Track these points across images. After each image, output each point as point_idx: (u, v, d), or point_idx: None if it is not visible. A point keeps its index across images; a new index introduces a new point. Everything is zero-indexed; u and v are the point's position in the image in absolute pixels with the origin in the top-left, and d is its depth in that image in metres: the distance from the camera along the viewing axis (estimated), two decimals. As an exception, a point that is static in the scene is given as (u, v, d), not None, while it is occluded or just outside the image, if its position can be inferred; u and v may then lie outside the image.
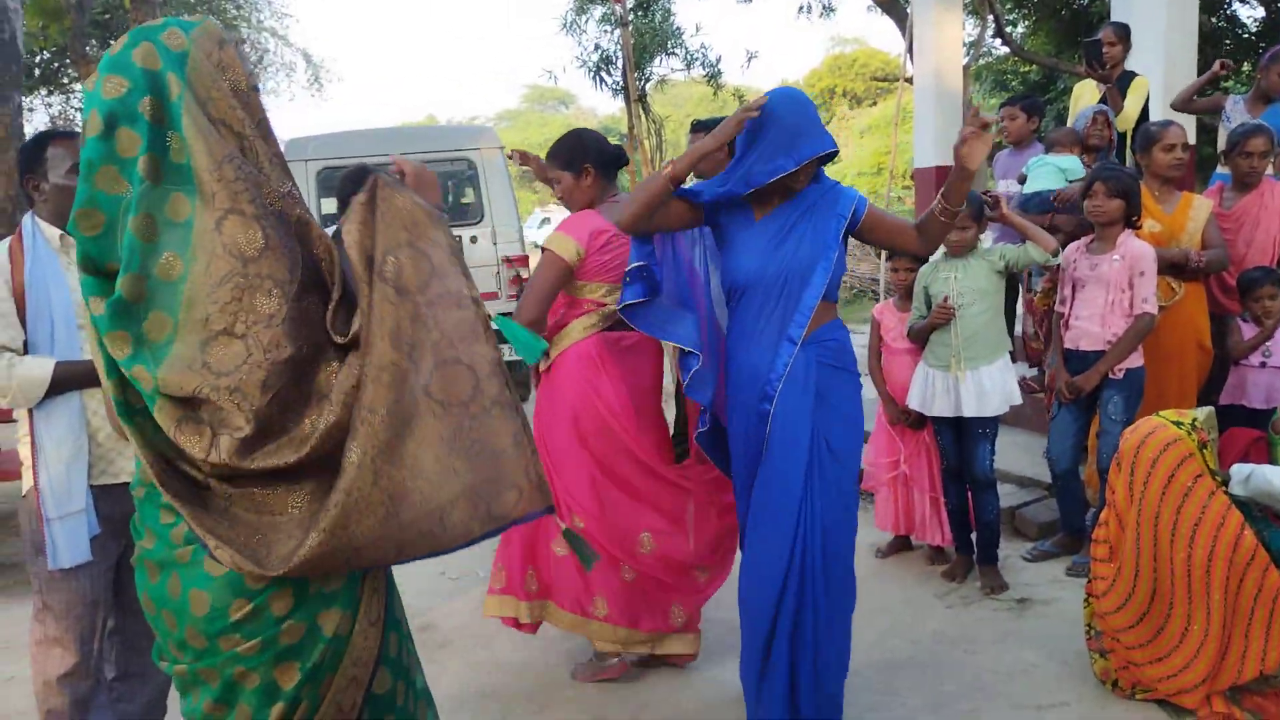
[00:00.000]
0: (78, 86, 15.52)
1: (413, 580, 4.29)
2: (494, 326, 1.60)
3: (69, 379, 2.43)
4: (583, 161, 3.19)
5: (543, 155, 3.51)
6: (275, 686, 1.59)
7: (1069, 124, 5.48)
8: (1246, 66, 12.50)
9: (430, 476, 1.52)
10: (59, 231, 2.52)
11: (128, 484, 2.39)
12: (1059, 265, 4.06)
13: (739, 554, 2.99)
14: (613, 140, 3.56)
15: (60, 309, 2.46)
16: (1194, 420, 2.87)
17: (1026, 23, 16.05)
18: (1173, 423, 2.87)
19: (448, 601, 4.07)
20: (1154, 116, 5.34)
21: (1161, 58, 5.74)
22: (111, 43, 1.70)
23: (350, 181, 4.57)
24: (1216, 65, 5.14)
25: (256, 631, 1.57)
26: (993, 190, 4.00)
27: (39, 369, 2.41)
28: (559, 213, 29.51)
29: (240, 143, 1.57)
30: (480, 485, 1.56)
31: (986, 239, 4.12)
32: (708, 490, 3.21)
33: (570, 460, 3.14)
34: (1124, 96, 5.16)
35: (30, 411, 2.45)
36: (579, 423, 3.13)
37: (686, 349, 2.87)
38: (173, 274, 1.49)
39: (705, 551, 3.21)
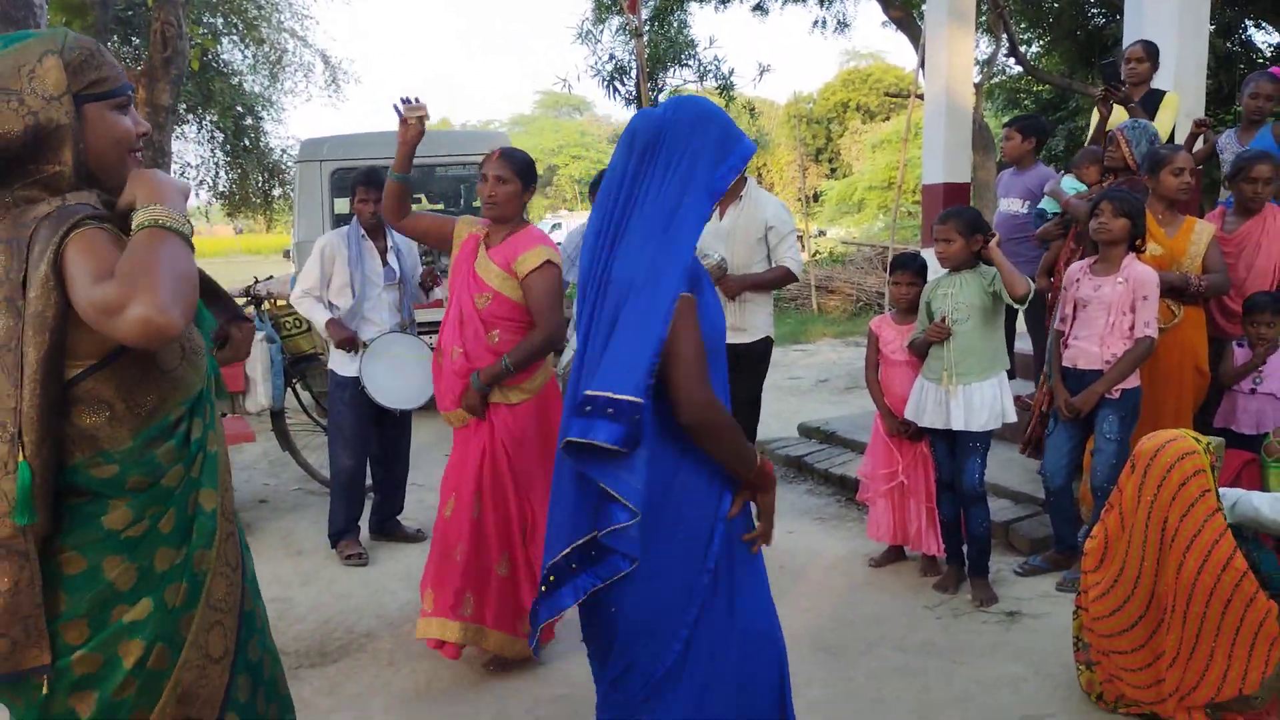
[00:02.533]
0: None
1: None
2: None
3: None
4: (533, 181, 3.45)
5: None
6: (74, 715, 1.59)
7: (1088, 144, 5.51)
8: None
9: None
10: None
11: None
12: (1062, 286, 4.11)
13: None
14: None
15: None
16: (1208, 443, 2.92)
17: (1040, 42, 16.11)
18: (1191, 437, 2.92)
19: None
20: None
21: (1171, 81, 5.77)
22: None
23: (360, 183, 4.65)
24: (1193, 124, 5.17)
25: (52, 658, 1.57)
26: (995, 217, 4.07)
27: None
28: (571, 218, 29.70)
29: None
30: None
31: None
32: None
33: (540, 483, 3.34)
34: (1152, 116, 5.16)
35: None
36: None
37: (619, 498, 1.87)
38: None
39: None
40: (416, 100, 3.39)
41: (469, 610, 3.33)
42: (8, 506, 1.50)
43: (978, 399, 3.80)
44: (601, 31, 10.91)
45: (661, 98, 10.62)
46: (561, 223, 29.01)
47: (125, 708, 1.61)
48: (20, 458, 1.49)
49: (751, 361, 4.47)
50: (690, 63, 10.86)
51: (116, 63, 1.70)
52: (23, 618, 1.51)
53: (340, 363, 4.62)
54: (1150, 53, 5.37)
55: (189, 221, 1.57)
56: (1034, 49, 16.10)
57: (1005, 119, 11.04)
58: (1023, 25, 15.18)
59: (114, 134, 1.66)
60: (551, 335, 3.34)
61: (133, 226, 1.52)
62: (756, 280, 4.42)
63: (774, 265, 4.47)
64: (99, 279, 1.44)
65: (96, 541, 1.59)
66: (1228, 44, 13.21)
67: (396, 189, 3.45)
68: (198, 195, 17.88)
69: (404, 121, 3.35)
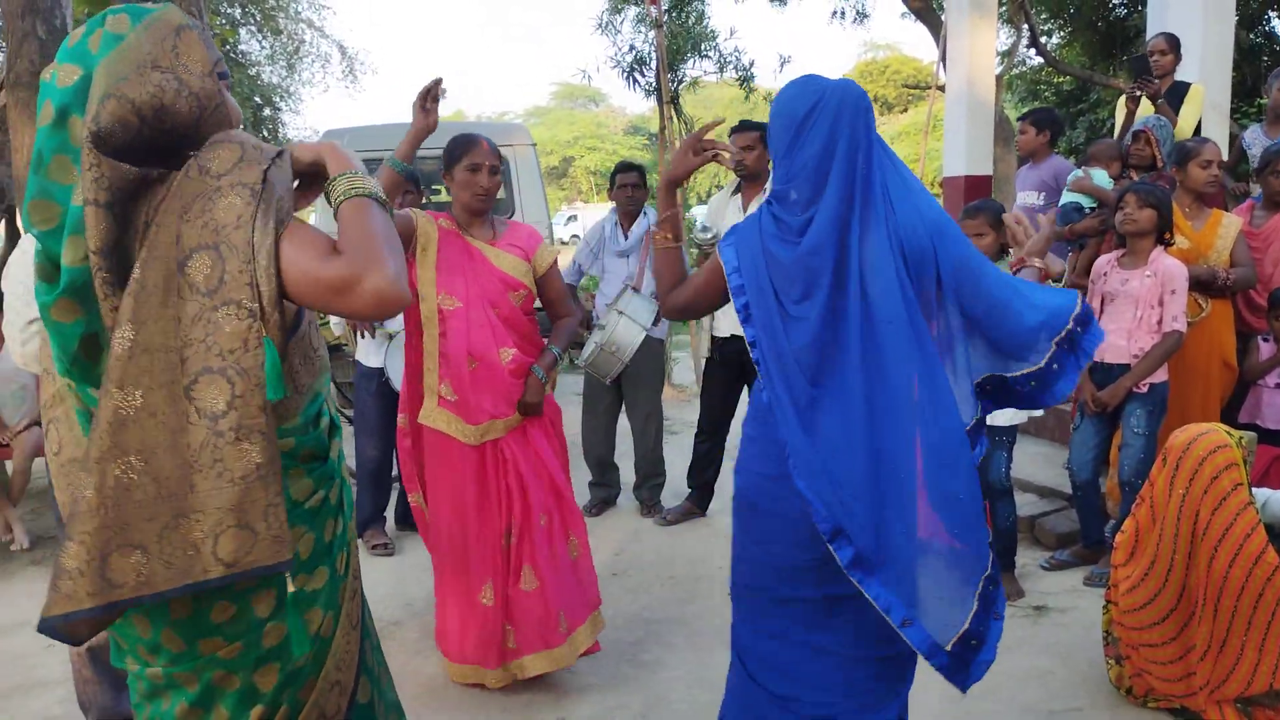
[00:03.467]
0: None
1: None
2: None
3: None
4: None
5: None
6: (255, 689, 1.57)
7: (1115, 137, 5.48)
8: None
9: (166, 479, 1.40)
10: None
11: None
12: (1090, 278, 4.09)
13: None
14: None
15: None
16: (1241, 438, 2.91)
17: (1062, 33, 16.01)
18: (1224, 431, 2.92)
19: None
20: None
21: (1196, 72, 5.74)
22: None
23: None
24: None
25: (238, 634, 1.54)
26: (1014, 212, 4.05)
27: None
28: (586, 210, 29.66)
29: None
30: (222, 512, 1.40)
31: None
32: None
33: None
34: (1176, 109, 5.13)
35: None
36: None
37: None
38: None
39: None
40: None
41: (511, 642, 3.19)
42: (245, 386, 1.40)
43: (1004, 393, 3.79)
44: (621, 22, 10.90)
45: (681, 89, 10.57)
46: (577, 215, 29.05)
47: (301, 676, 1.61)
48: (263, 334, 1.41)
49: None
50: (710, 54, 10.79)
51: None
52: (264, 507, 1.41)
53: (366, 354, 4.65)
54: (1173, 44, 5.33)
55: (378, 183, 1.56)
56: (1055, 40, 15.99)
57: (1024, 111, 10.98)
58: (1044, 16, 15.09)
59: (235, 116, 1.60)
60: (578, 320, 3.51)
61: (333, 196, 1.51)
62: None
63: None
64: (324, 258, 1.42)
65: (287, 512, 1.54)
66: (1251, 35, 13.10)
67: (396, 182, 2.91)
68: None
69: (424, 109, 2.87)
